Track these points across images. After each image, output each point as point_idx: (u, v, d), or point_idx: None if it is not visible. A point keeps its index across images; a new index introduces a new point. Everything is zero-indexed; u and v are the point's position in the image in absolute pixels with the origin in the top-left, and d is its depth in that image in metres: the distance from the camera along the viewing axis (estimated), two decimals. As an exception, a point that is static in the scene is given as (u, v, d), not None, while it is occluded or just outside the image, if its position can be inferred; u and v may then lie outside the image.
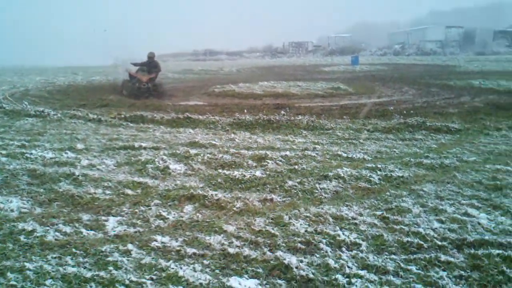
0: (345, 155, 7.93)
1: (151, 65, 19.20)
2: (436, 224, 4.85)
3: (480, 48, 79.53)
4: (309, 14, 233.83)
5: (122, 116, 12.25)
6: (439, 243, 4.39)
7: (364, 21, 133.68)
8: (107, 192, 5.92)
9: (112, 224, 4.88)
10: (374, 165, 7.10)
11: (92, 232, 4.68)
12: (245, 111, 13.05)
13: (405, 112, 12.48)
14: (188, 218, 5.05)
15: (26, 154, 7.74)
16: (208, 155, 7.74)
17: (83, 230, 4.69)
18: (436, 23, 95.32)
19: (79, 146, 8.46)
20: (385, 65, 46.84)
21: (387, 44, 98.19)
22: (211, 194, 5.72)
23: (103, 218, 5.05)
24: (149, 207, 5.39)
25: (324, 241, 4.43)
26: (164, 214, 5.15)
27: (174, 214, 5.18)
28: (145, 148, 8.35)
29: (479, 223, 4.86)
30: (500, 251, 4.14)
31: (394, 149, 8.46)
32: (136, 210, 5.28)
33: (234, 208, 5.33)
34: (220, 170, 6.92)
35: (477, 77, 26.06)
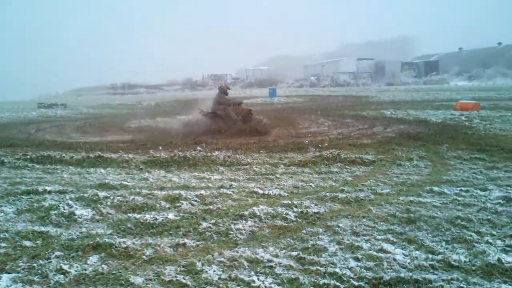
0: (261, 191, 7.79)
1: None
2: (352, 263, 4.76)
3: (389, 79, 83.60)
4: (227, 47, 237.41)
5: (28, 156, 11.50)
6: (356, 283, 4.28)
7: (281, 54, 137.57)
8: (3, 245, 5.38)
9: (5, 282, 4.40)
10: (290, 202, 6.99)
11: (-19, 294, 4.18)
12: (160, 148, 12.69)
13: (320, 145, 12.62)
14: (92, 271, 4.64)
15: None
16: (119, 197, 7.32)
17: (-30, 293, 4.19)
18: (348, 56, 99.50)
19: (-24, 193, 7.77)
20: (302, 96, 48.04)
21: (303, 76, 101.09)
22: (119, 242, 5.34)
23: (-5, 276, 4.54)
24: (49, 260, 4.92)
25: (238, 288, 4.20)
26: (66, 267, 4.70)
27: (77, 266, 4.75)
28: (50, 192, 7.79)
29: (394, 259, 4.81)
30: (416, 289, 4.10)
31: (310, 184, 8.43)
32: (34, 265, 4.80)
33: (144, 257, 4.98)
34: (130, 214, 6.53)
35: (388, 107, 27.21)
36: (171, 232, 5.82)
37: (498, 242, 5.28)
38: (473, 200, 7.07)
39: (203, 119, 17.46)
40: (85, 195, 7.47)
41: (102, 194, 7.51)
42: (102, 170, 10.14)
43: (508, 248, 5.08)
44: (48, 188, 8.00)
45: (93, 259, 4.97)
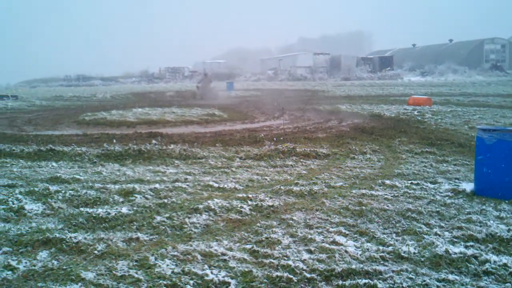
0: (216, 185, 7.78)
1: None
2: (305, 255, 4.82)
3: (345, 74, 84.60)
4: (184, 40, 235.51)
5: (-25, 150, 11.11)
6: (308, 275, 4.34)
7: (238, 48, 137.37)
8: None
9: (-51, 280, 4.25)
10: (245, 195, 7.02)
11: None
12: (114, 141, 12.48)
13: (275, 138, 12.69)
14: (41, 267, 4.55)
15: None
16: (71, 191, 7.17)
17: None
18: (305, 50, 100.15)
19: None
20: (259, 90, 48.02)
21: (260, 70, 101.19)
22: (70, 237, 5.24)
23: None
24: (-3, 256, 4.79)
25: (191, 282, 4.20)
26: (14, 263, 4.59)
27: (26, 262, 4.64)
28: (-2, 187, 7.56)
29: (346, 252, 4.90)
30: (367, 281, 4.18)
31: (266, 177, 8.48)
32: (-19, 261, 4.66)
33: (95, 251, 4.91)
34: (82, 208, 6.41)
35: (344, 101, 27.58)
36: (124, 226, 5.75)
37: (446, 233, 5.45)
38: (423, 193, 7.27)
39: None
40: (36, 189, 7.28)
41: (53, 188, 7.34)
42: (54, 164, 9.90)
43: (456, 240, 5.25)
44: (-4, 182, 7.77)
45: (43, 254, 4.86)
